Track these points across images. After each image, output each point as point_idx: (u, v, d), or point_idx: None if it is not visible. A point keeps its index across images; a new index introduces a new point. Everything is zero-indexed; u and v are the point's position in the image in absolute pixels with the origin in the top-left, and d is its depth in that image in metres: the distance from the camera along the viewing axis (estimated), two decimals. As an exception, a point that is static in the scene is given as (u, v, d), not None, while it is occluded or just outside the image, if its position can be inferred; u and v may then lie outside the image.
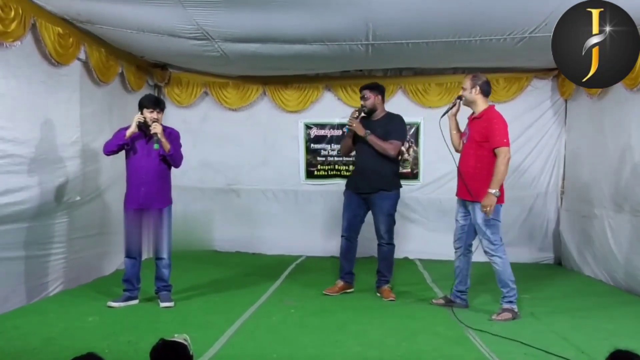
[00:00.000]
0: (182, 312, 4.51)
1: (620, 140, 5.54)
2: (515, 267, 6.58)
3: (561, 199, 7.06)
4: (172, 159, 4.76)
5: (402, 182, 5.37)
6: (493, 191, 4.29)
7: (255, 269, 6.29)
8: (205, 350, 3.48)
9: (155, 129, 4.55)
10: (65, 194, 5.02)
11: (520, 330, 3.99)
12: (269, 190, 7.49)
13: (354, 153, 5.40)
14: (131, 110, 6.41)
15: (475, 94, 4.54)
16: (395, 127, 5.09)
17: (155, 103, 4.69)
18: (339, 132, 7.35)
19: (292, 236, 7.32)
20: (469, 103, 4.62)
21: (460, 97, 4.69)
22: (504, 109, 6.94)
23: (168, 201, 4.86)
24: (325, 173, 7.50)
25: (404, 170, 7.16)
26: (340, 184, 7.42)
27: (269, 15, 4.81)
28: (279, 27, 5.10)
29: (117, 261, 6.17)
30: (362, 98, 5.10)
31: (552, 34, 4.95)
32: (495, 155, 4.37)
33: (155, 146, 4.58)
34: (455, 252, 4.78)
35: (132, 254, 4.71)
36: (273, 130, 7.44)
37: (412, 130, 7.25)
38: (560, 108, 7.05)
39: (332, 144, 7.45)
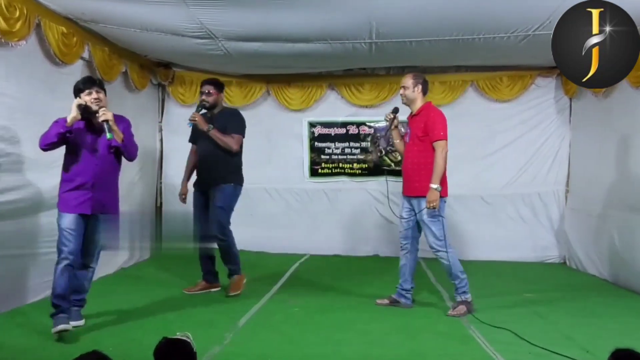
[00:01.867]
0: (186, 310, 4.51)
1: (627, 139, 5.52)
2: (520, 265, 6.67)
3: (566, 197, 7.04)
4: (126, 149, 4.11)
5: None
6: (435, 186, 4.39)
7: (258, 268, 6.28)
8: (210, 348, 3.48)
9: (105, 115, 3.87)
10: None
11: (525, 329, 3.98)
12: (273, 189, 7.48)
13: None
14: (131, 108, 6.45)
15: (417, 93, 4.64)
16: (234, 122, 5.14)
17: (90, 81, 4.00)
18: (343, 131, 7.36)
19: (296, 235, 7.31)
20: (410, 102, 4.67)
21: (395, 111, 4.76)
22: (507, 107, 7.06)
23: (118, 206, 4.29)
24: (330, 171, 7.50)
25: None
26: (345, 181, 7.45)
27: (272, 14, 4.80)
28: (282, 26, 5.09)
29: (120, 260, 6.19)
30: (205, 93, 5.11)
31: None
32: (434, 150, 4.46)
33: (109, 135, 3.87)
34: (402, 249, 4.74)
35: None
36: (277, 128, 7.43)
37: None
38: (565, 106, 7.02)
39: (336, 142, 7.44)
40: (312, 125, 7.47)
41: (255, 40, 5.49)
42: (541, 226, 7.10)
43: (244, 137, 5.19)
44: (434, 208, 4.38)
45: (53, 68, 4.84)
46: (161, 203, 7.41)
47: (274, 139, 7.47)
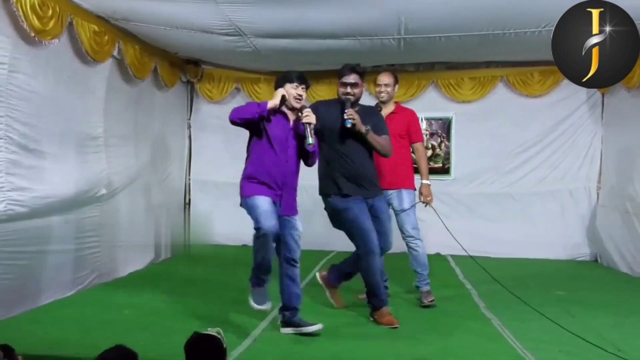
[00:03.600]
0: (215, 307, 4.54)
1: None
2: (551, 263, 6.58)
3: (597, 194, 6.92)
4: (314, 155, 3.94)
5: (433, 176, 5.32)
6: (428, 182, 4.68)
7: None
8: (238, 345, 3.51)
9: (309, 117, 3.72)
10: (91, 187, 5.05)
11: (556, 327, 3.92)
12: (303, 187, 7.45)
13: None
14: (160, 106, 6.54)
15: (396, 91, 4.80)
16: (381, 121, 4.29)
17: (301, 78, 3.84)
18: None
19: (322, 232, 7.29)
20: (389, 99, 4.71)
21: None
22: (538, 103, 6.96)
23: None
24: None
25: (435, 165, 7.11)
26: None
27: (300, 10, 4.82)
28: (311, 22, 5.10)
29: (149, 256, 6.28)
30: (349, 85, 4.14)
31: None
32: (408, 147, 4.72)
33: (310, 140, 3.70)
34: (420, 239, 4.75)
35: None
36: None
37: (445, 125, 7.19)
38: (597, 102, 6.90)
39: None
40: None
41: (284, 37, 5.50)
42: (572, 224, 6.99)
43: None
44: (431, 201, 4.67)
45: (82, 66, 4.92)
46: (189, 200, 7.48)
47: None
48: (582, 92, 6.90)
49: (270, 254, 3.74)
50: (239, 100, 7.49)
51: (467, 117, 7.10)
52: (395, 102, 4.82)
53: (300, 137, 3.83)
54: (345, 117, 3.98)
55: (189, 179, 7.50)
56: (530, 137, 7.03)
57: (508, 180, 7.08)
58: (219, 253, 6.87)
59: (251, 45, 5.80)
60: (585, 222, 6.98)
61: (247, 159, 3.95)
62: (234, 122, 3.78)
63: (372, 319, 4.20)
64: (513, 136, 7.04)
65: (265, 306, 3.84)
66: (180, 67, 6.96)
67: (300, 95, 3.82)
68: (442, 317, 4.29)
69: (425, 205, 4.72)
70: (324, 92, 7.36)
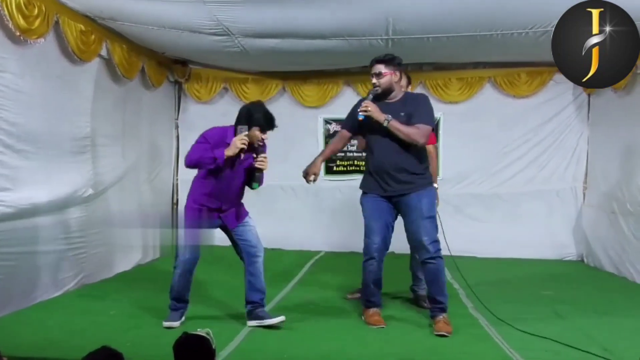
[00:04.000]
0: (202, 307, 4.53)
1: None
2: (538, 263, 6.62)
3: (584, 195, 6.98)
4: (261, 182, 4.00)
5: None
6: (435, 185, 4.45)
7: (274, 264, 6.28)
8: (225, 345, 3.50)
9: (263, 164, 3.85)
10: (77, 188, 5.00)
11: (543, 327, 3.95)
12: (289, 186, 7.48)
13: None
14: (148, 105, 6.50)
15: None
16: (420, 108, 3.99)
17: (273, 123, 3.94)
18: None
19: (311, 232, 7.32)
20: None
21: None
22: (525, 103, 7.01)
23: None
24: (345, 169, 7.49)
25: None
26: (360, 179, 7.41)
27: (289, 11, 4.81)
28: (299, 23, 5.09)
29: (136, 256, 6.24)
30: (375, 75, 4.04)
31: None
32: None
33: (255, 186, 3.91)
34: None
35: None
36: (292, 125, 7.40)
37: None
38: (583, 103, 6.96)
39: (352, 140, 7.41)
40: (327, 122, 7.47)
41: (272, 37, 5.49)
42: (559, 224, 7.04)
43: (433, 128, 4.19)
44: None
45: (69, 65, 4.87)
46: (177, 200, 7.45)
47: (290, 136, 7.44)
48: (569, 92, 6.96)
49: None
50: (228, 100, 7.49)
51: (455, 118, 7.13)
52: None
53: (249, 171, 3.95)
54: (359, 110, 3.93)
55: (177, 179, 7.47)
56: (517, 137, 7.07)
57: (496, 180, 7.12)
58: (207, 253, 6.83)
59: (239, 45, 5.78)
60: (571, 222, 7.04)
61: (194, 179, 4.11)
62: (189, 167, 3.92)
63: (362, 318, 4.21)
64: (500, 137, 7.08)
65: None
66: (167, 67, 6.93)
67: (263, 140, 3.89)
68: (429, 318, 4.30)
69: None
70: (312, 92, 7.38)
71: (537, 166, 7.03)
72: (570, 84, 6.94)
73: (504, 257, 6.81)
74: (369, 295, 4.21)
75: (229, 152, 3.75)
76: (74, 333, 3.74)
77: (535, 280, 5.73)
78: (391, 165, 3.99)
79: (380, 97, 4.03)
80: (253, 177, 3.90)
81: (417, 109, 3.95)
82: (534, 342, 3.68)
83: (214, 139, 3.90)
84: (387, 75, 3.99)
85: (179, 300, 4.08)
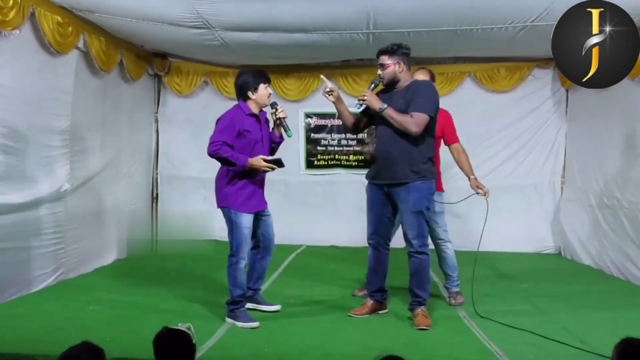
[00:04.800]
0: (182, 302, 4.51)
1: (622, 130, 5.55)
2: (516, 256, 6.69)
3: (562, 189, 7.06)
4: (278, 146, 4.29)
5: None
6: (474, 176, 4.68)
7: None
8: (206, 339, 3.49)
9: (283, 112, 4.09)
10: (54, 182, 4.95)
11: (521, 320, 4.00)
12: (269, 181, 7.42)
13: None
14: (127, 99, 6.43)
15: None
16: (417, 95, 3.90)
17: (266, 74, 4.15)
18: (339, 122, 7.32)
19: (292, 226, 7.30)
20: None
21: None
22: (504, 98, 7.06)
23: None
24: (326, 163, 7.49)
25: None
26: (341, 174, 7.44)
27: (269, 4, 4.79)
28: (280, 16, 5.07)
29: (116, 251, 6.19)
30: (380, 66, 4.02)
31: (554, 23, 4.99)
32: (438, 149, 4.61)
33: (290, 134, 4.11)
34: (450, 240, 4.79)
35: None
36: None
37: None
38: (561, 98, 7.04)
39: (333, 134, 7.43)
40: (308, 116, 7.46)
41: (253, 30, 5.47)
42: (537, 217, 7.13)
43: (432, 116, 3.91)
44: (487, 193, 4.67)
45: (47, 58, 4.80)
46: (157, 194, 7.40)
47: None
48: (547, 87, 7.03)
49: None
50: (208, 94, 7.45)
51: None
52: None
53: (276, 125, 4.17)
54: (358, 99, 3.98)
55: (157, 174, 7.41)
56: (496, 132, 7.12)
57: (475, 174, 7.15)
58: (188, 248, 6.80)
59: (219, 39, 5.74)
60: (549, 216, 7.12)
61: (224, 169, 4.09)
62: (212, 156, 3.96)
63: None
64: (480, 131, 7.12)
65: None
66: (147, 60, 6.87)
67: (270, 94, 4.08)
68: (409, 310, 4.33)
69: (485, 196, 4.59)
70: (293, 86, 7.36)
71: (516, 160, 7.10)
72: (549, 79, 7.03)
73: (483, 251, 6.83)
74: (367, 283, 4.34)
75: (253, 164, 3.90)
76: (52, 329, 3.70)
77: (514, 273, 5.80)
78: (386, 154, 4.00)
79: (388, 87, 4.06)
80: (283, 127, 4.10)
81: (414, 97, 3.90)
82: (512, 335, 3.73)
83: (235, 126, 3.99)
84: (390, 66, 3.96)
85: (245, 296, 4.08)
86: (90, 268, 5.58)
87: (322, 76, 4.58)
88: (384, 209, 4.11)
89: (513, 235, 6.96)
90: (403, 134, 3.87)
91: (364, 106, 3.98)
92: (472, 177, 4.62)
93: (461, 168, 4.71)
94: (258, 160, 3.88)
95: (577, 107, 6.79)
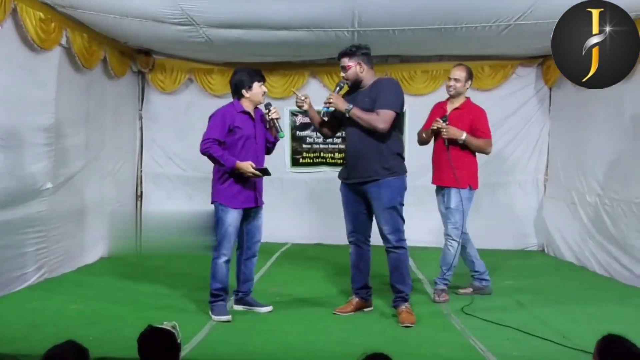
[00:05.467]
0: (166, 300, 4.49)
1: (603, 128, 5.61)
2: (500, 253, 6.73)
3: (545, 186, 7.12)
4: (274, 145, 4.36)
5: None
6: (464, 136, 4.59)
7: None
8: (191, 337, 3.48)
9: (276, 113, 4.14)
10: (37, 180, 4.90)
11: (504, 316, 4.03)
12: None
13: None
14: (111, 96, 6.38)
15: (467, 86, 4.70)
16: (382, 93, 3.97)
17: (261, 73, 4.24)
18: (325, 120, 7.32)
19: (277, 224, 7.28)
20: (457, 95, 4.68)
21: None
22: (489, 97, 7.07)
23: None
24: (311, 161, 7.49)
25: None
26: (326, 171, 7.43)
27: (254, 1, 4.78)
28: (265, 13, 5.06)
29: (99, 249, 6.14)
30: (342, 69, 4.09)
31: (537, 22, 5.03)
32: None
33: (282, 135, 4.23)
34: (457, 240, 4.64)
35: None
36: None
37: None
38: (545, 96, 7.09)
39: (318, 132, 7.41)
40: (293, 114, 7.45)
41: (237, 27, 5.44)
42: (521, 214, 7.18)
43: (398, 112, 3.97)
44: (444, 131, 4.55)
45: (30, 54, 4.74)
46: (142, 192, 7.35)
47: (256, 127, 7.43)
48: (531, 86, 7.08)
49: None
50: (193, 91, 7.40)
51: (420, 110, 7.07)
52: (467, 98, 4.75)
53: (269, 126, 4.22)
54: (324, 102, 4.07)
55: (141, 171, 7.36)
56: (481, 130, 7.15)
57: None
58: (172, 245, 6.77)
59: (204, 36, 5.72)
60: (533, 213, 7.17)
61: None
62: (203, 154, 4.02)
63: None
64: (464, 129, 7.15)
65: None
66: (130, 57, 6.81)
67: (265, 92, 4.17)
68: (393, 307, 4.35)
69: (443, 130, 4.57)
70: (277, 83, 7.34)
71: (499, 158, 7.13)
72: (533, 78, 7.08)
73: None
74: (351, 279, 4.34)
75: (243, 168, 3.97)
76: (34, 328, 3.67)
77: (498, 270, 5.83)
78: (355, 153, 4.06)
79: (352, 87, 4.14)
80: (275, 128, 4.15)
81: (379, 95, 3.96)
82: (495, 331, 3.77)
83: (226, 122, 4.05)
84: (351, 67, 4.02)
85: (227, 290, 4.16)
86: (74, 266, 5.54)
87: (294, 90, 4.70)
88: (358, 207, 4.15)
89: (497, 232, 7.00)
90: (371, 132, 3.93)
91: (331, 109, 4.06)
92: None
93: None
94: (246, 166, 3.95)
95: (559, 105, 6.85)
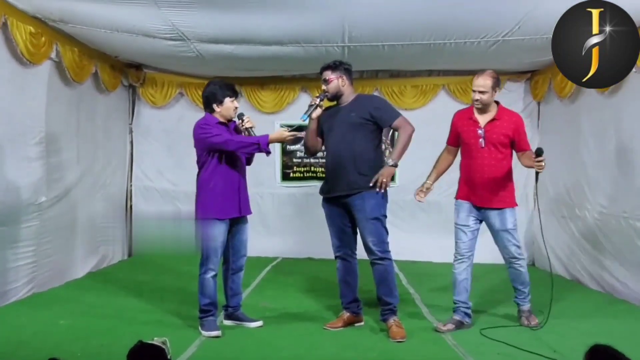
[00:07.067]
0: (156, 314, 4.46)
1: (591, 142, 5.65)
2: (491, 267, 6.73)
3: (534, 200, 7.15)
4: (253, 156, 4.31)
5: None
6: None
7: (231, 271, 6.25)
8: (181, 352, 3.45)
9: (250, 122, 4.09)
10: (30, 195, 4.88)
11: (495, 330, 4.03)
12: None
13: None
14: (102, 110, 6.37)
15: (494, 96, 4.15)
16: (381, 110, 4.09)
17: (234, 88, 4.20)
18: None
19: (268, 238, 7.29)
20: (485, 107, 4.17)
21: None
22: (478, 111, 7.12)
23: None
24: (302, 175, 7.50)
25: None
26: (317, 186, 7.38)
27: (245, 16, 4.80)
28: (255, 28, 5.08)
29: (89, 263, 6.10)
30: (323, 81, 4.13)
31: (525, 38, 5.09)
32: (509, 157, 4.35)
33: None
34: (461, 261, 4.42)
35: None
36: (249, 131, 7.40)
37: (390, 132, 7.27)
38: (533, 111, 7.14)
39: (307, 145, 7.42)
40: (283, 128, 7.45)
41: (228, 42, 5.46)
42: (510, 228, 7.18)
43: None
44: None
45: (20, 68, 4.73)
46: (131, 205, 7.32)
47: (247, 141, 7.43)
48: (519, 100, 7.13)
49: None
50: (183, 105, 7.40)
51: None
52: (497, 104, 4.22)
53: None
54: (306, 113, 4.10)
55: (131, 185, 7.33)
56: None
57: (450, 186, 7.20)
58: (162, 259, 6.73)
59: (195, 51, 5.73)
60: (522, 227, 7.17)
61: (205, 177, 4.08)
62: (237, 150, 4.02)
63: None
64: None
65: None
66: (121, 71, 6.81)
67: (236, 107, 4.13)
68: (384, 323, 4.33)
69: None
70: (269, 98, 7.37)
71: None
72: (521, 92, 7.14)
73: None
74: (340, 295, 4.32)
75: (278, 138, 4.07)
76: (20, 344, 3.63)
77: (488, 283, 5.84)
78: (336, 166, 4.08)
79: (332, 100, 4.20)
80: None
81: (380, 113, 4.07)
82: (486, 345, 3.76)
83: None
84: (333, 80, 4.09)
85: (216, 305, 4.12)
86: (62, 281, 5.48)
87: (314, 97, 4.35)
88: (343, 220, 4.16)
89: (486, 246, 6.97)
90: (350, 146, 4.01)
91: (314, 115, 4.08)
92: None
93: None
94: (280, 133, 4.10)
95: (548, 120, 6.91)
